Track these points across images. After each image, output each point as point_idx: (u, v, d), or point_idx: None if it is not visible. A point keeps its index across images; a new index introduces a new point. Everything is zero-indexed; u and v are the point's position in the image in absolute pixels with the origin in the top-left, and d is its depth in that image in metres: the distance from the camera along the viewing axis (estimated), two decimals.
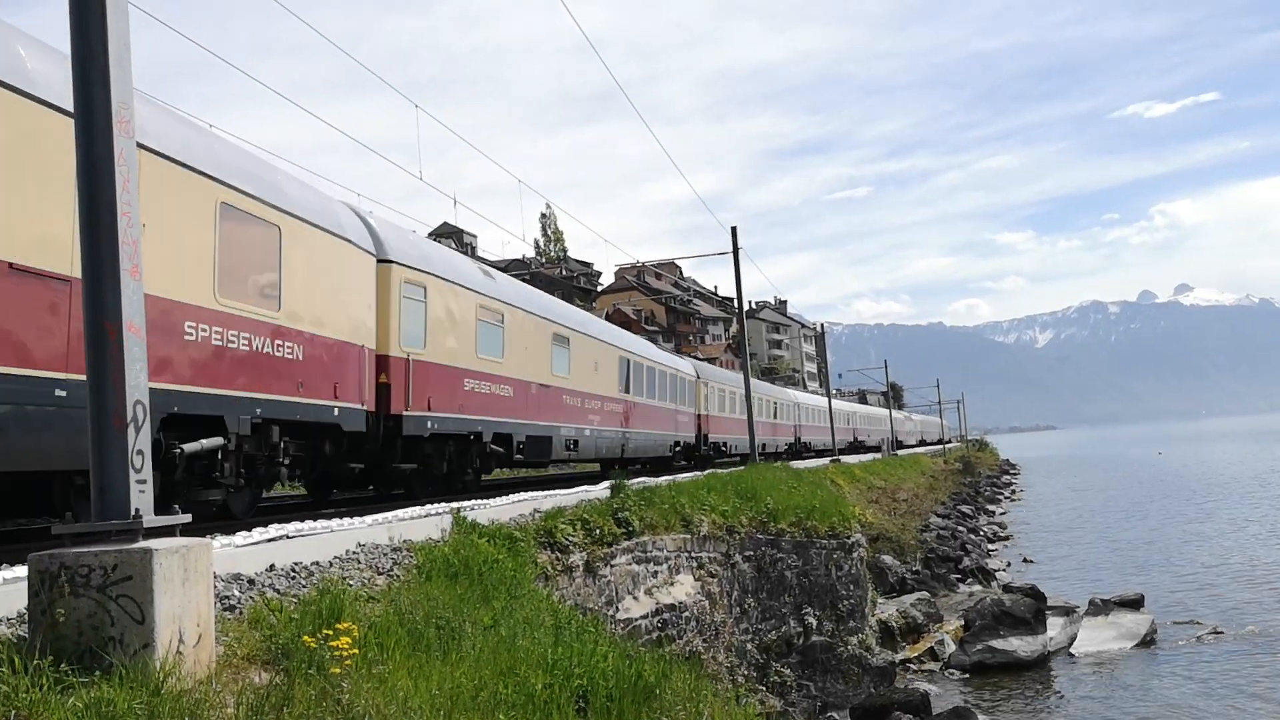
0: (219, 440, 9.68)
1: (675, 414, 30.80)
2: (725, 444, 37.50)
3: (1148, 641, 22.38)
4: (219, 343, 9.76)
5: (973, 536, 43.12)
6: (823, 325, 74.97)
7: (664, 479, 19.13)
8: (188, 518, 5.26)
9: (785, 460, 37.56)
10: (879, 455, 59.99)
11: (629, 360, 26.00)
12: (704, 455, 34.41)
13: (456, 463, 15.76)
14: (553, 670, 6.35)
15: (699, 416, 34.05)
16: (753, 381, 42.96)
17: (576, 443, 21.11)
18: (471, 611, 7.21)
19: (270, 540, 7.55)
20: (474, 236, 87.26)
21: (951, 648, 22.33)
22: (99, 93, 5.01)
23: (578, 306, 43.49)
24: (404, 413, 13.71)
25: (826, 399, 59.93)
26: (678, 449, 30.87)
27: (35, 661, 4.17)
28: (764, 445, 41.53)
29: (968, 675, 20.80)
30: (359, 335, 12.81)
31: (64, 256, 7.59)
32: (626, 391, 25.41)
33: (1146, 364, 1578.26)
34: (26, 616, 4.77)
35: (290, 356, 11.01)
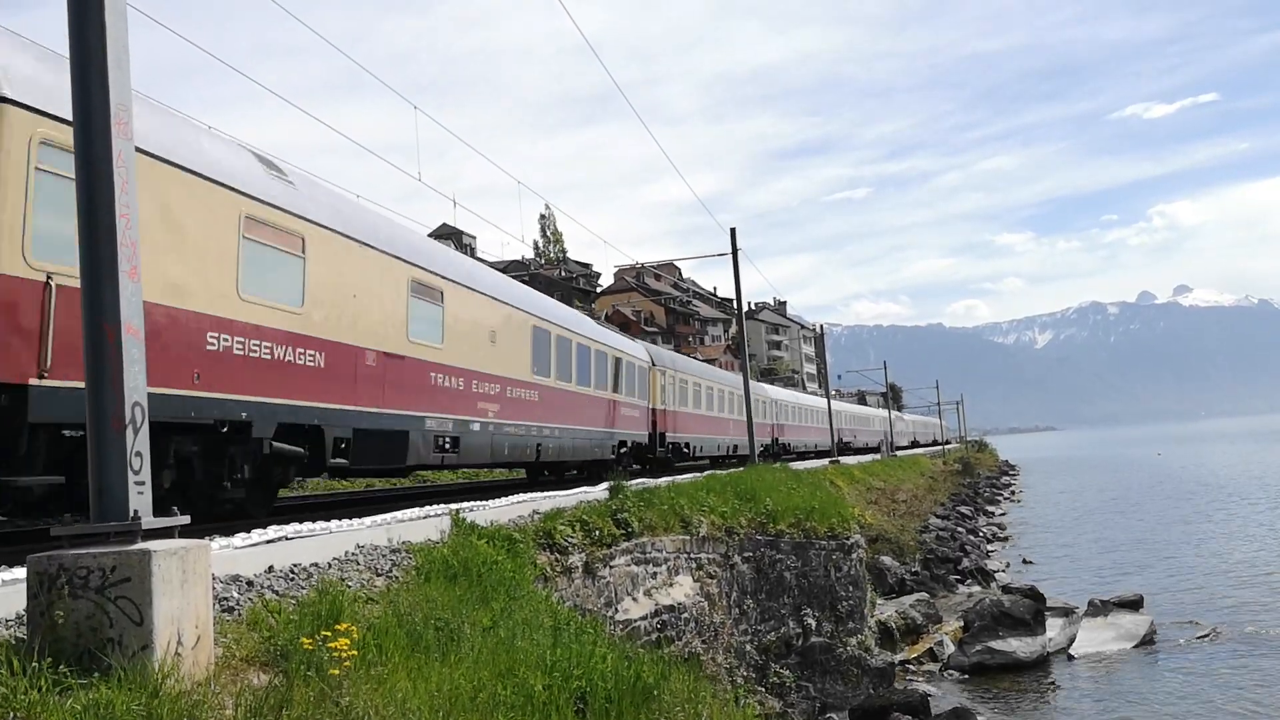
0: None
1: (618, 407, 24.48)
2: (688, 445, 31.19)
3: (1147, 642, 22.39)
4: None
5: (972, 537, 43.14)
6: (821, 326, 74.98)
7: (663, 480, 19.10)
8: (186, 519, 5.26)
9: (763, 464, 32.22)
10: (877, 456, 59.98)
11: (548, 332, 19.43)
12: (660, 459, 28.41)
13: (203, 472, 9.94)
14: (552, 672, 6.36)
15: (653, 411, 27.88)
16: (721, 373, 39.68)
17: (457, 440, 15.05)
18: (470, 613, 7.22)
19: (269, 542, 7.56)
20: (473, 238, 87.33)
21: (951, 649, 22.34)
22: (97, 94, 5.01)
23: (577, 308, 41.74)
24: (33, 381, 7.54)
25: (807, 396, 58.93)
26: (624, 451, 24.84)
27: (34, 663, 4.18)
28: (735, 447, 36.92)
29: (967, 676, 20.80)
30: None
31: None
32: (545, 374, 19.09)
33: (1146, 365, 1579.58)
34: (25, 618, 4.78)
35: None
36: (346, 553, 8.13)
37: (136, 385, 5.00)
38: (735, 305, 37.21)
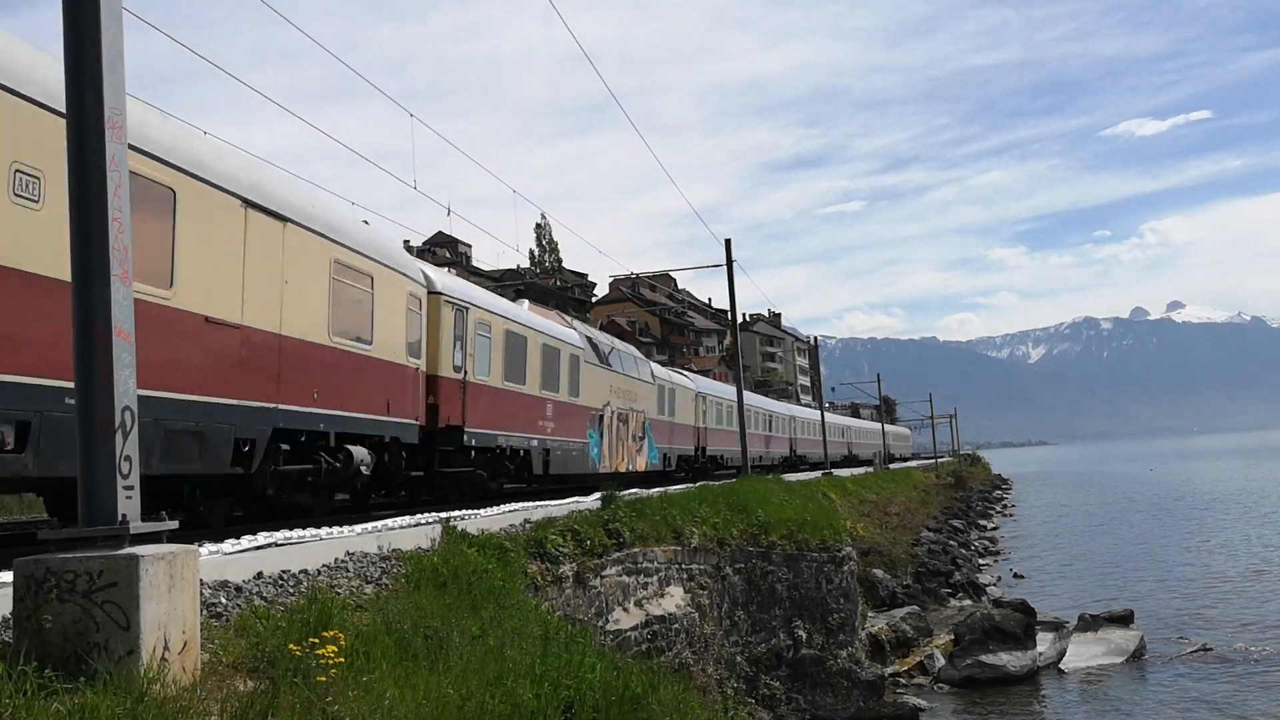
0: None
1: (343, 359, 12.25)
2: (504, 449, 18.08)
3: (1137, 657, 22.38)
4: None
5: (963, 551, 43.12)
6: (816, 338, 75.07)
7: (655, 490, 18.98)
8: (175, 524, 5.25)
9: (686, 482, 25.75)
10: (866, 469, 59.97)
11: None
12: (441, 470, 15.94)
13: None
14: (540, 681, 6.34)
15: (435, 381, 15.55)
16: (619, 345, 28.58)
17: None
18: (460, 621, 7.20)
19: (258, 548, 7.54)
20: (469, 246, 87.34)
21: (941, 662, 22.31)
22: (91, 97, 5.02)
23: (572, 317, 40.35)
24: None
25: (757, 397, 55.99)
26: (358, 463, 12.40)
27: (20, 667, 4.16)
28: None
29: (957, 689, 20.77)
30: None
31: None
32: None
33: (1139, 380, 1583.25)
34: (11, 622, 4.76)
35: None
36: (336, 560, 8.11)
37: (127, 389, 4.99)
38: (730, 317, 37.09)
